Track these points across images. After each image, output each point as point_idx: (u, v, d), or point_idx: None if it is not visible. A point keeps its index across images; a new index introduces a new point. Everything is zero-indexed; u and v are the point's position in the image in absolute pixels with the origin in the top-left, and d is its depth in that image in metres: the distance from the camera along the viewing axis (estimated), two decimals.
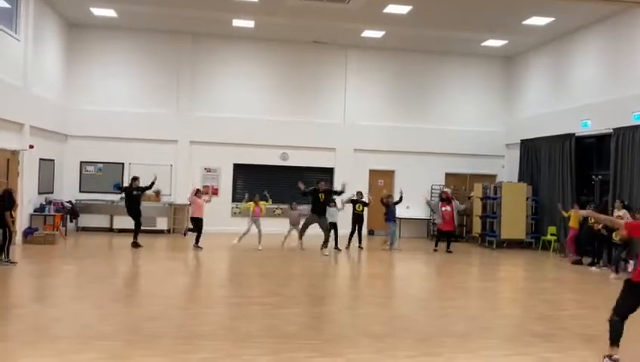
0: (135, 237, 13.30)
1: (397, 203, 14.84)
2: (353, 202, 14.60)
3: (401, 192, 14.88)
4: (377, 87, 18.18)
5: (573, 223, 13.57)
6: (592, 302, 9.10)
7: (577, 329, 7.18)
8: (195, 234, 13.55)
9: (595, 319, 7.34)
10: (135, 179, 13.77)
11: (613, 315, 5.63)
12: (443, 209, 14.67)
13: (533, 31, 15.40)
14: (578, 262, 13.07)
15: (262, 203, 13.85)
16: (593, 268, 12.40)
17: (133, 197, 13.43)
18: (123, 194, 13.78)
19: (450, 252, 14.40)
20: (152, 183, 13.78)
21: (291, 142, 17.52)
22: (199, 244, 13.34)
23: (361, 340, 6.37)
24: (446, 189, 15.97)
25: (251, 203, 13.88)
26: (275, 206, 16.28)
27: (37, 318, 6.95)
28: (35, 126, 13.68)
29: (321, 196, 13.40)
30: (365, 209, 14.78)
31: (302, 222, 13.83)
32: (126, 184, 14.64)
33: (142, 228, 13.68)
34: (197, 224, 13.53)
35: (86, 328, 6.45)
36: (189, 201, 14.07)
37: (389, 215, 14.71)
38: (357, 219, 14.58)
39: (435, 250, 14.55)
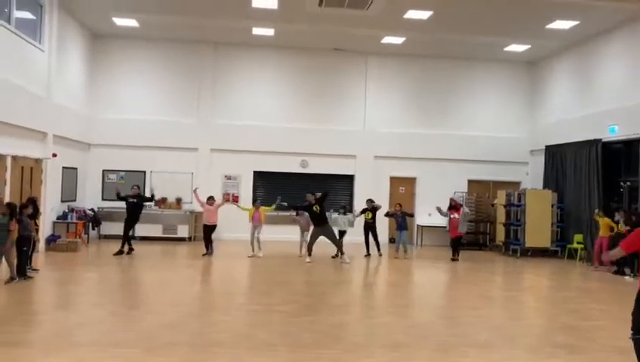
0: (123, 245, 13.21)
1: (407, 214, 14.65)
2: (363, 211, 14.47)
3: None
4: (398, 94, 18.07)
5: (603, 232, 13.24)
6: (620, 313, 8.74)
7: (604, 341, 6.94)
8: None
9: (624, 331, 7.04)
10: (132, 187, 13.84)
11: (633, 334, 5.37)
12: (452, 216, 14.42)
13: (557, 35, 15.13)
14: (620, 273, 12.59)
15: (262, 208, 13.77)
16: (627, 278, 12.04)
17: (128, 204, 13.39)
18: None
19: (456, 260, 14.09)
20: (152, 196, 13.93)
21: (311, 149, 17.49)
22: (208, 251, 13.53)
23: (379, 350, 6.24)
24: (453, 197, 15.61)
25: (251, 208, 13.90)
26: (294, 214, 16.22)
27: (58, 325, 6.98)
28: (58, 135, 13.90)
29: (316, 208, 13.04)
30: (377, 215, 14.50)
31: (312, 228, 13.45)
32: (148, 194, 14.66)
33: (132, 236, 13.70)
34: (209, 231, 13.61)
35: (105, 335, 6.45)
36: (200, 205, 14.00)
37: (397, 224, 14.50)
38: (367, 227, 14.45)
39: (455, 259, 14.25)
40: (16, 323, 6.92)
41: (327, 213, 13.43)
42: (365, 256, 14.21)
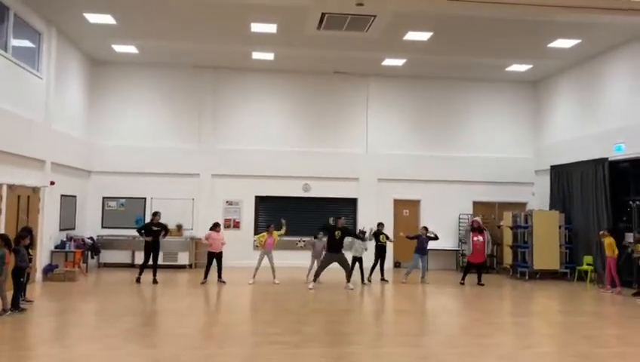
0: (140, 273, 13.15)
1: (431, 238, 14.31)
2: (376, 234, 14.13)
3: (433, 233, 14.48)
4: (400, 116, 17.90)
5: (609, 252, 12.90)
6: (637, 339, 8.43)
7: None
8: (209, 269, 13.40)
9: None
10: (155, 214, 13.57)
11: None
12: (475, 239, 14.01)
13: (560, 54, 15.00)
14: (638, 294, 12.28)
15: (275, 233, 13.47)
16: (639, 301, 11.67)
17: (153, 232, 13.19)
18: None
19: (482, 284, 13.78)
20: (166, 231, 13.66)
21: (313, 173, 17.28)
22: (222, 279, 13.31)
23: None
24: (477, 218, 15.23)
25: (264, 233, 13.54)
26: (298, 238, 15.98)
27: (47, 361, 6.66)
28: (56, 162, 13.73)
29: (337, 233, 12.73)
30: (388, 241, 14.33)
31: (324, 254, 13.18)
32: (147, 220, 14.47)
33: (158, 263, 13.44)
34: (218, 259, 13.32)
35: None
36: (205, 239, 13.55)
37: (418, 246, 14.19)
38: (381, 251, 14.13)
39: (462, 283, 13.95)
40: (4, 360, 6.61)
41: (346, 239, 13.05)
42: (368, 279, 13.80)
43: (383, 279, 14.15)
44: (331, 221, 13.35)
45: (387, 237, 14.26)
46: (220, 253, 13.35)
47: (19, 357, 6.81)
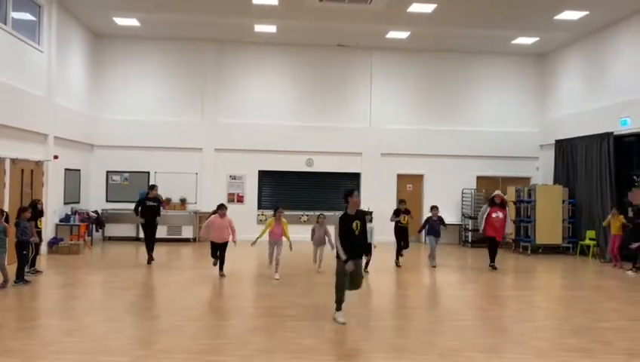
0: (148, 252, 12.22)
1: (444, 223, 12.79)
2: (396, 213, 12.58)
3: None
4: (404, 90, 17.73)
5: (615, 230, 12.82)
6: (637, 313, 8.46)
7: (620, 344, 6.61)
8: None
9: None
10: (152, 187, 12.66)
11: None
12: (494, 215, 12.18)
13: (566, 26, 14.73)
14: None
15: (285, 221, 11.06)
16: (629, 273, 11.71)
17: (147, 208, 12.30)
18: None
19: (496, 268, 12.36)
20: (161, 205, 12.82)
21: (317, 147, 17.22)
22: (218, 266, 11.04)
23: (380, 355, 5.96)
24: (498, 192, 12.90)
25: (271, 219, 11.13)
26: (301, 213, 16.05)
27: (47, 332, 6.78)
28: (59, 136, 13.74)
29: (356, 225, 8.97)
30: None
31: (327, 241, 11.27)
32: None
33: (154, 239, 12.39)
34: (221, 250, 10.90)
35: (96, 343, 6.22)
36: (205, 228, 11.02)
37: (430, 228, 12.60)
38: (402, 232, 12.57)
39: (493, 266, 12.39)
40: (6, 331, 6.73)
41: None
42: (397, 265, 12.53)
43: (397, 264, 12.57)
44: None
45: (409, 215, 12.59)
46: (225, 243, 10.83)
47: (22, 328, 6.93)
